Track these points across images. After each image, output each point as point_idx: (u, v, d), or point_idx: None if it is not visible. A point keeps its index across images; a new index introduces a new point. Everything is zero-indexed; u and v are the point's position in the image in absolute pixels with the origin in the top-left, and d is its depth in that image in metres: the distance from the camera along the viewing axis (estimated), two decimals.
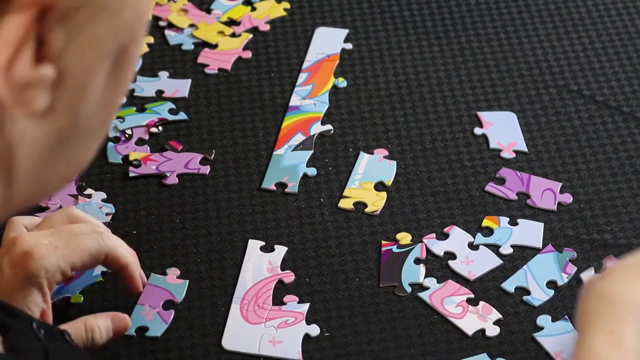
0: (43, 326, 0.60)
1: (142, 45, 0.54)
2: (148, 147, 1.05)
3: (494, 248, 0.97)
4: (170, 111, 1.09)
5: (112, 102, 0.54)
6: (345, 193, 1.01)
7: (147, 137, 1.06)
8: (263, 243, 0.97)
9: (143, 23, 0.53)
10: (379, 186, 1.02)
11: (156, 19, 1.19)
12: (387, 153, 1.05)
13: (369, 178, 1.03)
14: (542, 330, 0.91)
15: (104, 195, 1.01)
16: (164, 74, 1.13)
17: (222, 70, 1.13)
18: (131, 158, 1.04)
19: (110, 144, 1.05)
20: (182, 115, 1.08)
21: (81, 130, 0.53)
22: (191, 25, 1.18)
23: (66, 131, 0.52)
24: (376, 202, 1.00)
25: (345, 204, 1.00)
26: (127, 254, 0.91)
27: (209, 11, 1.19)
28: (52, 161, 0.52)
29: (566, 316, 0.92)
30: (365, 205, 1.00)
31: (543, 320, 0.92)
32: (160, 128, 1.06)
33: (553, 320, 0.91)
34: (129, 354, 0.90)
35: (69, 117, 0.51)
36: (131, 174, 1.03)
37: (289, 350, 0.90)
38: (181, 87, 1.11)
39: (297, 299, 0.93)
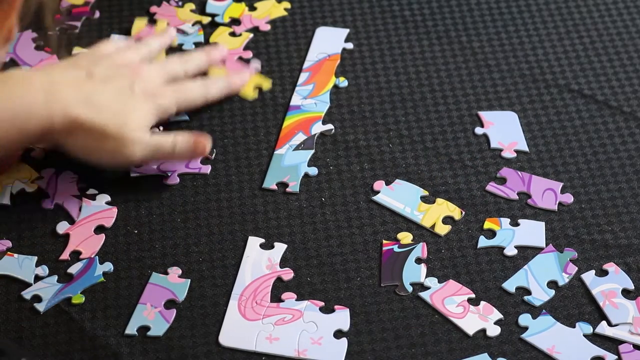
0: None
1: None
2: None
3: (498, 250, 0.97)
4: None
5: None
6: None
7: None
8: (263, 240, 0.98)
9: None
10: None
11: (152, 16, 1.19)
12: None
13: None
14: (527, 330, 0.91)
15: (108, 197, 1.01)
16: None
17: None
18: None
19: None
20: (183, 116, 1.08)
21: None
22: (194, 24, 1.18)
23: None
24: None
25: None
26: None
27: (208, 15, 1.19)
28: None
29: (544, 310, 0.92)
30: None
31: (524, 319, 0.92)
32: (162, 128, 1.06)
33: (534, 318, 0.92)
34: (131, 353, 0.90)
35: None
36: (133, 174, 1.03)
37: (286, 348, 0.90)
38: None
39: (295, 296, 0.93)
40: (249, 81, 1.10)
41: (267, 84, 1.10)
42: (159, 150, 1.00)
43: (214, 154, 1.05)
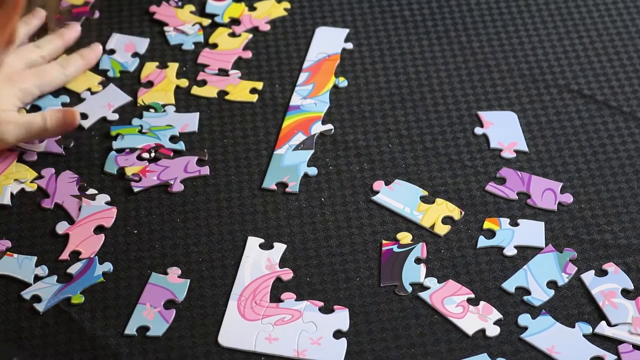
0: None
1: None
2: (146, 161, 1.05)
3: (498, 250, 0.97)
4: (172, 139, 1.06)
5: None
6: None
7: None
8: (262, 240, 0.98)
9: None
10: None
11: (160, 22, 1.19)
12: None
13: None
14: (527, 331, 0.91)
15: (108, 197, 1.01)
16: (170, 109, 1.09)
17: (222, 70, 1.13)
18: (128, 173, 1.03)
19: (112, 153, 1.05)
20: (180, 145, 1.06)
21: None
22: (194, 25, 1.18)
23: None
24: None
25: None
26: None
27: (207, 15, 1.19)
28: None
29: (544, 311, 0.92)
30: None
31: (524, 319, 0.92)
32: (153, 154, 1.05)
33: (533, 318, 0.92)
34: (130, 353, 0.90)
35: None
36: (135, 189, 1.01)
37: (286, 348, 0.90)
38: (190, 122, 1.08)
39: (294, 296, 0.94)
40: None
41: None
42: (31, 127, 1.03)
43: (207, 156, 1.05)
